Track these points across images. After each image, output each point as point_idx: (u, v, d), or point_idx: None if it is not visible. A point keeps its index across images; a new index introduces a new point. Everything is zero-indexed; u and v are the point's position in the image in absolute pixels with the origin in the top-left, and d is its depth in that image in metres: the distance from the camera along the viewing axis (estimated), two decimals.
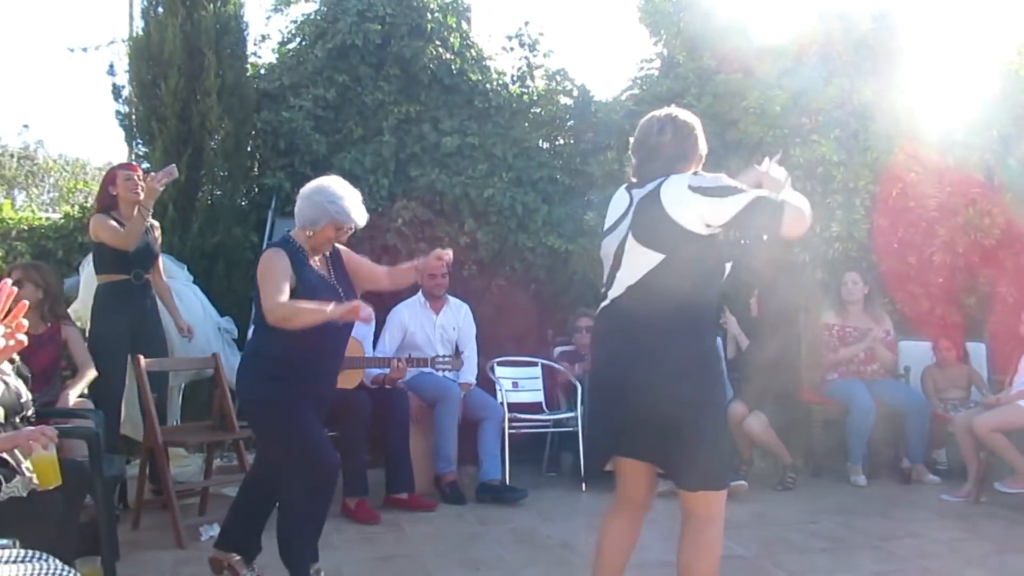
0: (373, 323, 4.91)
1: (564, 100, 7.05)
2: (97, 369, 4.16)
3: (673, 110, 2.62)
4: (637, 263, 2.43)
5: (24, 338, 1.85)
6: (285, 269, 2.94)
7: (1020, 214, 5.43)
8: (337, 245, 3.16)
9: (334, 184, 3.07)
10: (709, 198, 2.36)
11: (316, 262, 3.09)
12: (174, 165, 4.35)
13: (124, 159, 6.16)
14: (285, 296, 2.88)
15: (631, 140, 2.66)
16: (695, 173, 2.48)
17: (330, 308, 2.80)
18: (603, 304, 2.55)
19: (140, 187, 4.28)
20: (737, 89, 5.93)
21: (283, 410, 2.99)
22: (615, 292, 2.49)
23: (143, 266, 4.43)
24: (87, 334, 4.42)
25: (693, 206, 2.37)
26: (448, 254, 3.11)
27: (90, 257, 4.92)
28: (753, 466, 5.34)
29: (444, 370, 4.86)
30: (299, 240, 3.05)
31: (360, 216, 3.07)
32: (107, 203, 4.37)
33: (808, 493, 4.96)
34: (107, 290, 4.38)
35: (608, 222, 2.60)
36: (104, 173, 4.71)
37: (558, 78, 7.03)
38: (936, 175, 5.40)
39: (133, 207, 4.29)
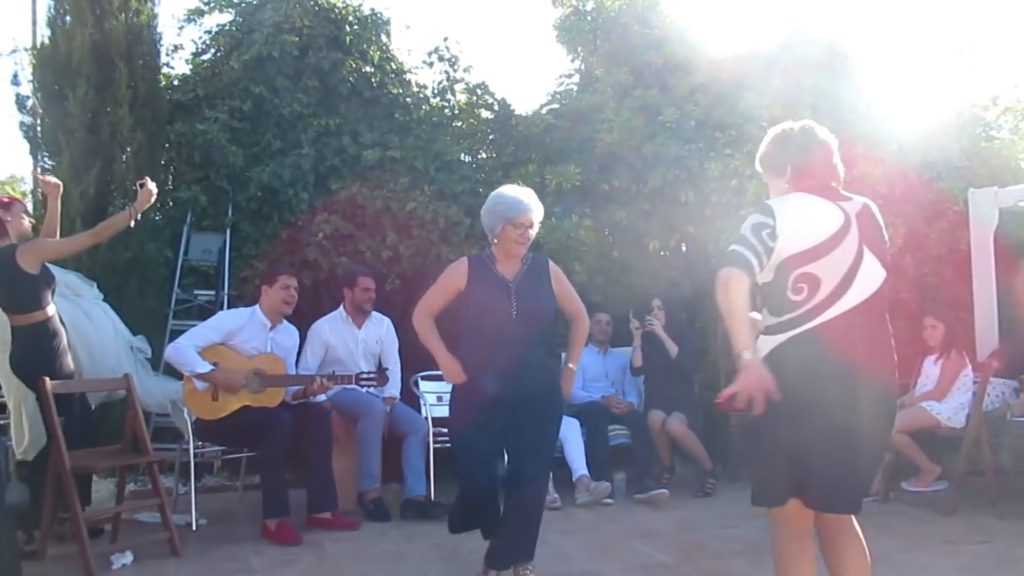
0: (297, 342, 4.85)
1: (485, 114, 7.08)
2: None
3: (803, 122, 2.73)
4: (872, 275, 2.48)
5: None
6: (452, 281, 3.33)
7: (919, 223, 5.70)
8: (552, 264, 3.46)
9: (502, 189, 3.39)
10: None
11: (506, 268, 3.34)
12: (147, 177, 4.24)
13: (29, 172, 5.93)
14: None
15: (769, 156, 2.70)
16: None
17: (443, 355, 3.31)
18: (814, 321, 2.43)
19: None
20: (653, 104, 6.06)
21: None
22: (846, 304, 2.43)
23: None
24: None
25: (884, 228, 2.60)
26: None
27: None
28: (674, 474, 5.45)
29: (369, 387, 4.82)
30: (493, 251, 3.38)
31: (529, 202, 3.30)
32: None
33: (727, 498, 5.08)
34: (38, 329, 4.02)
35: (817, 237, 2.44)
36: None
37: (479, 92, 7.05)
38: (843, 186, 5.63)
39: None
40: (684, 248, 6.24)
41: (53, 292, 4.12)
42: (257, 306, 4.70)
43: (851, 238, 2.47)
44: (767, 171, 2.74)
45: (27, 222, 4.16)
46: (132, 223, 4.17)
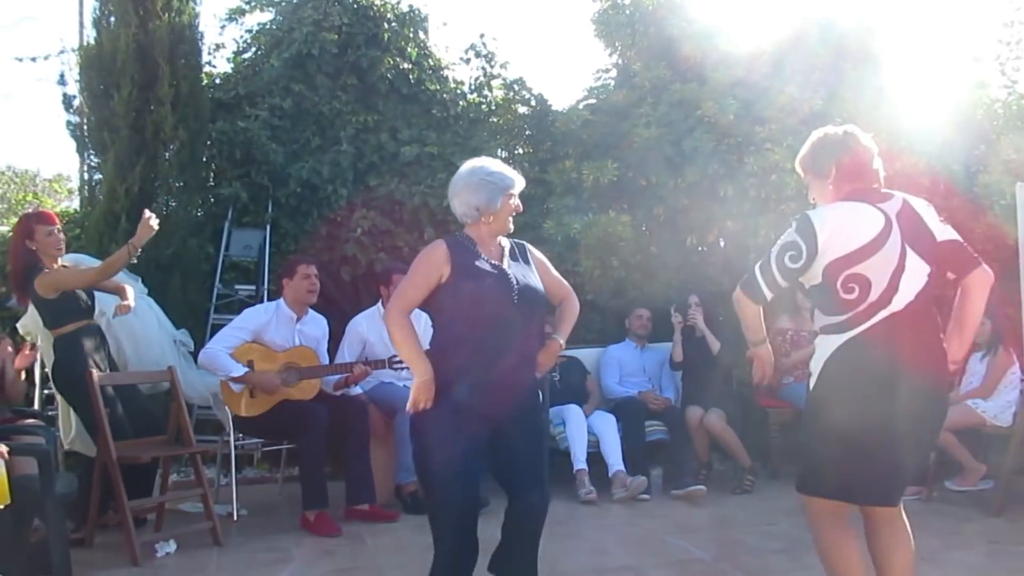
0: (327, 331, 4.89)
1: (522, 109, 7.09)
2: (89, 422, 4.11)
3: (845, 126, 2.78)
4: (918, 274, 2.52)
5: None
6: (432, 268, 2.81)
7: (965, 218, 5.57)
8: (532, 248, 3.07)
9: (476, 163, 2.95)
10: (943, 223, 2.63)
11: (490, 253, 2.90)
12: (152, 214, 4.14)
13: (76, 170, 6.06)
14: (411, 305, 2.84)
15: (814, 157, 2.74)
16: None
17: (422, 370, 2.74)
18: (870, 321, 2.49)
19: (62, 241, 4.14)
20: (692, 98, 6.01)
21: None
22: (899, 304, 2.49)
23: (95, 309, 4.30)
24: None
25: (936, 221, 2.61)
26: None
27: None
28: (712, 470, 5.41)
29: (401, 369, 4.84)
30: (470, 234, 2.91)
31: (515, 174, 2.95)
32: (30, 260, 4.12)
33: (765, 495, 5.03)
34: (74, 338, 4.16)
35: (860, 240, 2.51)
36: (15, 224, 4.37)
37: (516, 88, 7.06)
38: (885, 181, 5.53)
39: (55, 263, 4.14)
40: (722, 243, 6.18)
41: (79, 309, 4.19)
42: (281, 300, 4.73)
43: (893, 239, 2.51)
44: (809, 173, 2.78)
45: (55, 240, 4.14)
46: (134, 259, 4.12)
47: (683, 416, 5.31)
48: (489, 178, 2.87)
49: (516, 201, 2.91)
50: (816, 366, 2.60)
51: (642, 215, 6.11)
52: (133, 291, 4.37)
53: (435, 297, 2.84)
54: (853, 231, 2.52)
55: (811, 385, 2.62)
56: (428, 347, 2.86)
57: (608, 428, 5.21)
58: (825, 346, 2.57)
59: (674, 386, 5.74)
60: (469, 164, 2.94)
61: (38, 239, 4.11)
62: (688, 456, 5.27)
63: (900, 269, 2.50)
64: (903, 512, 2.61)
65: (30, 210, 4.73)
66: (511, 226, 2.93)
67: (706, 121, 5.84)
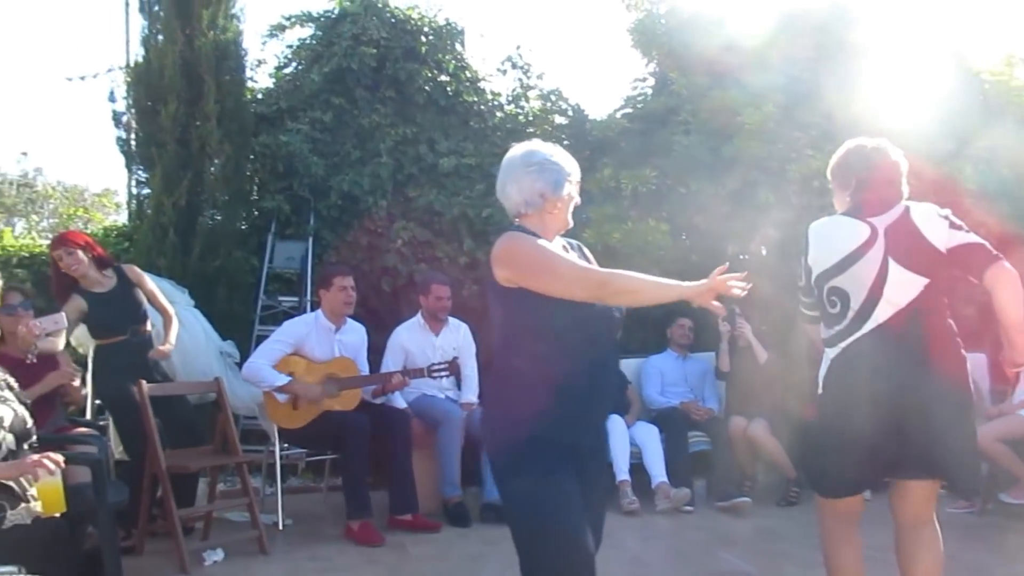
0: (365, 339, 4.94)
1: (559, 119, 7.10)
2: (122, 429, 4.26)
3: (878, 140, 2.77)
4: (904, 285, 2.52)
5: None
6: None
7: (1016, 223, 5.44)
8: (586, 251, 2.59)
9: (527, 145, 2.43)
10: (953, 229, 2.57)
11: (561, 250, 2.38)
12: (63, 314, 4.02)
13: (124, 185, 6.19)
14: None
15: (839, 168, 2.79)
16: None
17: (678, 286, 2.28)
18: (857, 333, 2.55)
19: (80, 262, 4.18)
20: (731, 105, 5.97)
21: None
22: (879, 319, 2.53)
23: (137, 322, 4.37)
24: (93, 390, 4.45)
25: (942, 231, 2.55)
26: None
27: None
28: (757, 482, 5.34)
29: (441, 377, 4.87)
30: (532, 228, 2.36)
31: (574, 163, 2.47)
32: (67, 282, 4.24)
33: (811, 507, 4.89)
34: (108, 351, 4.30)
35: (839, 254, 2.58)
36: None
37: (552, 98, 7.08)
38: (929, 185, 5.42)
39: (87, 279, 4.22)
40: (764, 252, 6.11)
41: (105, 328, 4.31)
42: (319, 310, 4.80)
43: (875, 251, 2.54)
44: (834, 182, 2.84)
45: (65, 264, 4.19)
46: None
47: (726, 426, 5.26)
48: (552, 159, 2.38)
49: (577, 195, 2.45)
50: (820, 377, 2.70)
51: (682, 223, 6.07)
52: (175, 329, 4.44)
53: (506, 302, 2.31)
54: (834, 245, 2.61)
55: (819, 394, 2.74)
56: (496, 369, 2.41)
57: (651, 439, 5.17)
58: (826, 359, 2.68)
59: (716, 396, 5.68)
60: (521, 147, 2.42)
61: (60, 264, 4.23)
62: (732, 467, 5.21)
63: (880, 281, 2.52)
64: (935, 523, 2.60)
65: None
66: (571, 221, 2.48)
67: (746, 128, 5.80)
